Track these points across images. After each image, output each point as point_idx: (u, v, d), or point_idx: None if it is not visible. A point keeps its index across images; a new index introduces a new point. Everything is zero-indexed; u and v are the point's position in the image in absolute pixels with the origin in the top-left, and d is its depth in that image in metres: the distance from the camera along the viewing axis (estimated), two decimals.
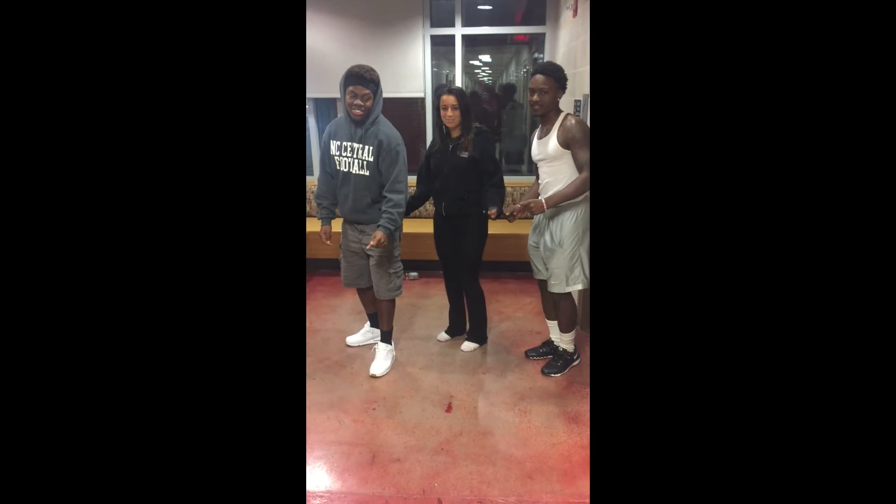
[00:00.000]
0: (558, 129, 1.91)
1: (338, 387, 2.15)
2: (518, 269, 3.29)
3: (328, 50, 3.45)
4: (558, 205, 1.93)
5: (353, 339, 2.50)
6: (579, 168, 1.89)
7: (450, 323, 2.56)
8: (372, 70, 1.94)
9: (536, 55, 3.95)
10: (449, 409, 2.00)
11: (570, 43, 2.98)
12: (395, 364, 2.32)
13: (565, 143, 1.89)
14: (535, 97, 1.91)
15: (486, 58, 6.41)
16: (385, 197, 2.02)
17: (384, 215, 2.01)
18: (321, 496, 1.56)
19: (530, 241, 2.20)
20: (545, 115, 1.95)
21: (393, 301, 2.24)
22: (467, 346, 2.44)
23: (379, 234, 1.99)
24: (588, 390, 2.10)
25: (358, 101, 1.92)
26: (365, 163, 2.01)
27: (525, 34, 3.96)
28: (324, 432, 1.85)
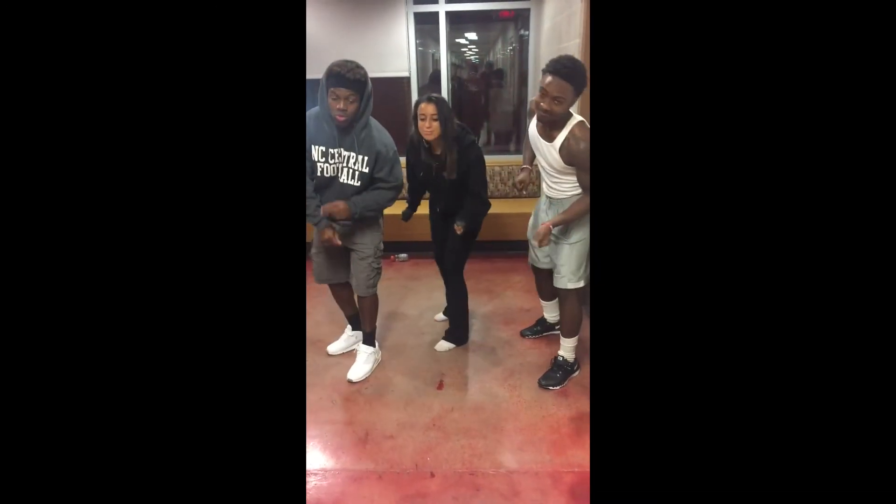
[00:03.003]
0: (562, 144, 1.69)
1: (330, 367, 2.17)
2: (507, 247, 3.31)
3: (309, 29, 3.39)
4: (564, 223, 1.79)
5: (334, 348, 2.28)
6: (584, 188, 1.73)
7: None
8: (357, 68, 1.66)
9: (522, 32, 3.90)
10: (440, 386, 2.03)
11: (554, 17, 2.95)
12: (387, 343, 2.34)
13: (570, 161, 1.69)
14: (546, 105, 1.60)
15: (472, 35, 6.33)
16: (378, 187, 1.85)
17: (362, 200, 1.83)
18: (316, 474, 1.59)
19: (532, 225, 2.07)
20: (552, 125, 1.70)
21: (375, 299, 2.07)
22: (442, 345, 2.30)
23: (341, 205, 1.81)
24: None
25: (340, 106, 1.66)
26: (357, 173, 1.81)
27: (510, 10, 3.91)
28: (317, 412, 1.88)
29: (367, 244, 1.97)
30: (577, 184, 1.77)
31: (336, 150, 1.79)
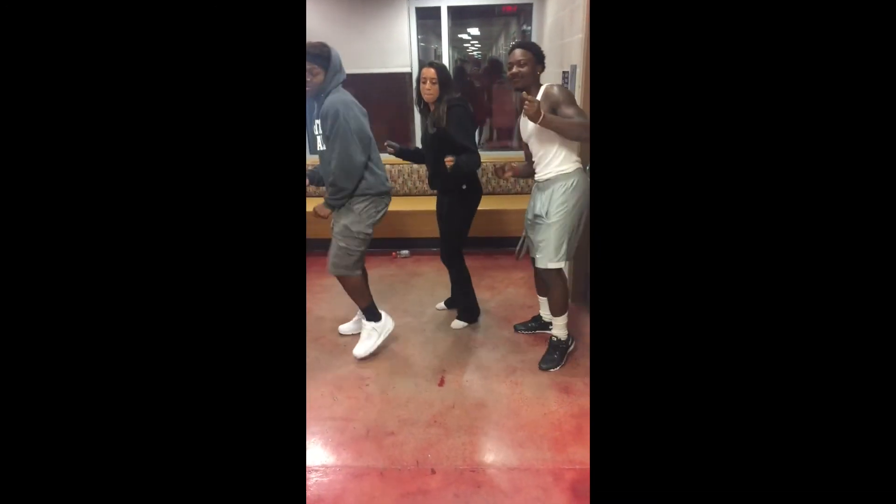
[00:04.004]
0: (541, 100, 1.88)
1: (331, 364, 2.17)
2: (510, 244, 3.30)
3: (311, 25, 3.37)
4: (553, 129, 1.84)
5: (345, 328, 2.44)
6: (570, 116, 1.85)
7: (451, 294, 2.58)
8: (322, 45, 1.91)
9: (525, 27, 3.88)
10: (441, 382, 2.03)
11: (557, 13, 2.93)
12: (388, 339, 2.32)
13: (550, 109, 1.85)
14: (514, 69, 1.92)
15: (475, 31, 6.29)
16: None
17: (327, 191, 2.01)
18: (317, 470, 1.59)
19: (526, 217, 2.16)
20: (526, 90, 1.92)
21: (351, 279, 2.13)
22: (456, 324, 2.46)
23: (318, 206, 2.01)
24: (578, 362, 2.14)
25: (307, 77, 1.90)
26: (324, 137, 1.97)
27: (512, 4, 3.89)
28: (318, 408, 1.88)
29: (336, 220, 2.08)
30: (562, 163, 1.94)
31: (316, 122, 1.97)
